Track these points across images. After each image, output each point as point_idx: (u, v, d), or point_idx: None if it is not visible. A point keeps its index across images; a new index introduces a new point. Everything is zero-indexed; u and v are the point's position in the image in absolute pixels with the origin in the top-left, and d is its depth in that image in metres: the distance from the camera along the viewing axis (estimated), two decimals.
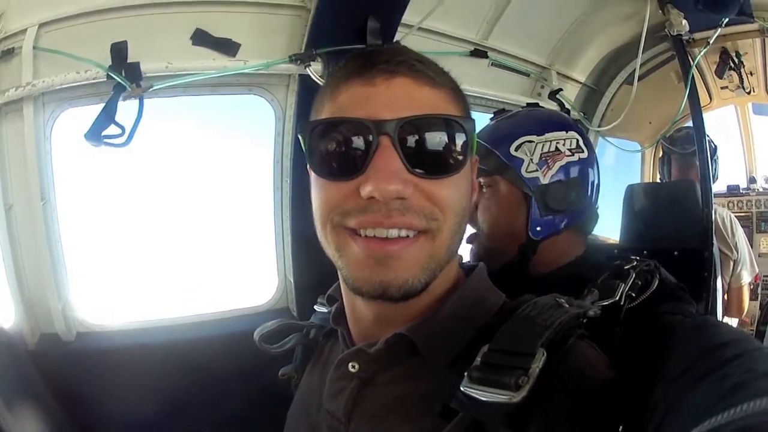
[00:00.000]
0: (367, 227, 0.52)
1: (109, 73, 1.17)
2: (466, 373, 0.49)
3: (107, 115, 1.17)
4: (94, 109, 1.20)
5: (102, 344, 1.37)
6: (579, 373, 0.50)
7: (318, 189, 0.56)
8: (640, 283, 0.81)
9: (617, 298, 0.76)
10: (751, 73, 2.08)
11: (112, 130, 1.18)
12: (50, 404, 1.18)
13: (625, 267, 0.83)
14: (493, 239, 0.96)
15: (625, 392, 0.48)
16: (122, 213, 1.60)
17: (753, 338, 0.46)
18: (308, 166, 0.57)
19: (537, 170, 0.93)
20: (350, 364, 0.60)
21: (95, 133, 1.15)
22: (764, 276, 2.35)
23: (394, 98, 0.51)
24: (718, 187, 2.45)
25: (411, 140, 0.50)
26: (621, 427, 0.48)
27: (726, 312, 2.04)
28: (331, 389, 0.61)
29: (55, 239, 1.32)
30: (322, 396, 0.63)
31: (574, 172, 0.96)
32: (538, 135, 0.95)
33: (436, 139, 0.51)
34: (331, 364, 0.64)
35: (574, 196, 0.96)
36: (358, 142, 0.51)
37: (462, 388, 0.48)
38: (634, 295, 0.79)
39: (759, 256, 2.34)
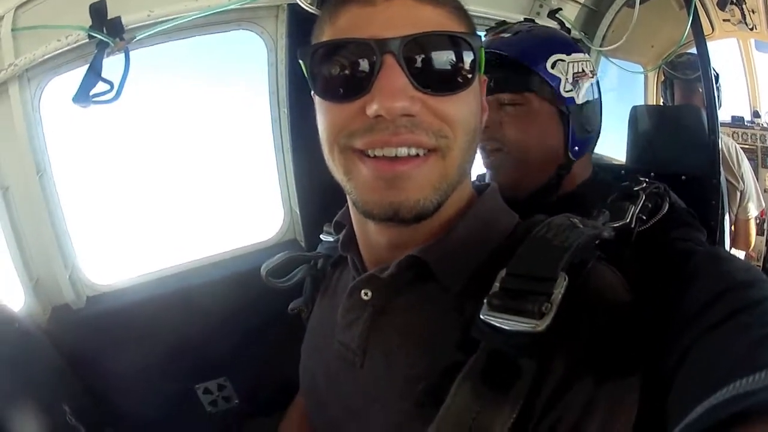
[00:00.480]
0: (375, 147, 0.51)
1: (90, 33, 1.14)
2: (485, 300, 0.48)
3: (93, 74, 1.14)
4: (80, 72, 1.18)
5: (113, 304, 1.39)
6: (601, 298, 0.50)
7: (323, 113, 0.55)
8: (650, 205, 0.81)
9: (628, 220, 0.76)
10: (753, 11, 2.04)
11: (100, 88, 1.16)
12: (71, 380, 1.19)
13: (635, 188, 0.83)
14: (528, 160, 0.92)
15: (641, 319, 0.48)
16: (122, 167, 1.60)
17: (765, 278, 0.45)
18: (312, 92, 0.56)
19: (572, 89, 0.91)
20: (363, 292, 0.59)
21: (83, 94, 1.12)
22: None
23: (395, 17, 0.50)
24: (722, 116, 2.43)
25: (416, 58, 0.49)
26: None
27: (733, 244, 2.02)
28: (345, 319, 0.61)
29: (55, 209, 1.32)
30: (333, 327, 0.63)
31: (595, 93, 0.96)
32: (567, 54, 0.92)
33: (443, 57, 0.50)
34: (341, 293, 0.65)
35: (600, 116, 0.97)
36: (362, 62, 0.50)
37: (482, 316, 0.47)
38: (644, 218, 0.79)
39: (765, 191, 2.31)
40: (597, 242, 0.55)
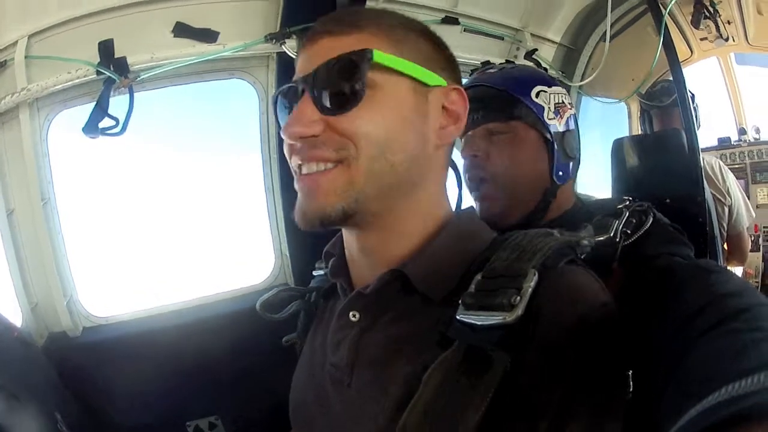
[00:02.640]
0: (296, 166, 0.59)
1: (98, 69, 1.29)
2: (460, 301, 0.52)
3: (101, 109, 1.29)
4: (87, 109, 1.31)
5: (108, 336, 1.47)
6: (573, 295, 0.52)
7: None
8: (634, 221, 0.84)
9: (611, 233, 0.78)
10: (729, 22, 2.13)
11: (106, 123, 1.29)
12: (63, 394, 1.25)
13: (618, 206, 0.87)
14: (516, 187, 0.97)
15: (625, 329, 0.50)
16: (120, 206, 1.71)
17: (756, 290, 0.48)
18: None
19: (554, 118, 1.00)
20: (351, 314, 0.62)
21: (92, 126, 1.26)
22: (764, 227, 2.39)
23: (314, 55, 0.57)
24: (708, 140, 2.54)
25: (320, 86, 0.56)
26: (630, 372, 0.50)
27: (728, 260, 2.07)
28: (333, 340, 0.64)
29: (57, 237, 1.43)
30: (326, 355, 0.66)
31: (573, 124, 1.04)
32: (548, 87, 1.01)
33: (334, 78, 0.55)
34: (331, 325, 0.67)
35: (579, 145, 1.05)
36: (294, 99, 0.60)
37: (458, 316, 0.51)
38: (629, 232, 0.82)
39: (757, 207, 2.36)
40: (581, 255, 0.58)
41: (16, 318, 1.37)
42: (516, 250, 0.55)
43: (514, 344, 0.47)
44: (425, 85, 0.59)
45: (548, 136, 0.99)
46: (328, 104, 0.55)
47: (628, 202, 0.89)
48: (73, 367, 1.33)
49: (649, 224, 0.84)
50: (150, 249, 1.73)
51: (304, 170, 0.58)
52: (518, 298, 0.48)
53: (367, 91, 0.55)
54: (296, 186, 0.60)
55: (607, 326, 0.50)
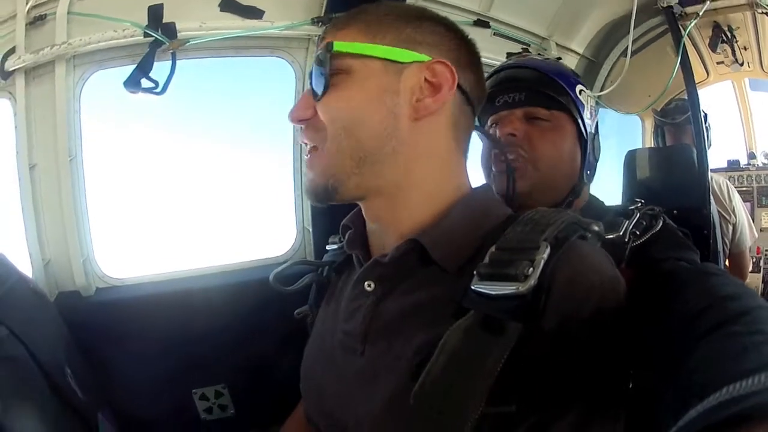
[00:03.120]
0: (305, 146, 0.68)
1: (146, 31, 1.32)
2: (475, 272, 0.54)
3: (142, 70, 1.31)
4: (123, 72, 1.34)
5: (121, 296, 1.46)
6: (584, 266, 0.54)
7: None
8: (644, 223, 0.86)
9: (621, 232, 0.79)
10: (745, 48, 2.19)
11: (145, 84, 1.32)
12: (73, 351, 1.23)
13: (630, 207, 0.89)
14: (554, 174, 0.97)
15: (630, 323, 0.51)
16: (146, 171, 1.71)
17: (755, 293, 0.48)
18: None
19: (590, 118, 1.02)
20: (366, 283, 0.65)
21: (133, 82, 1.28)
22: (766, 250, 2.44)
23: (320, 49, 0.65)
24: (718, 161, 2.60)
25: (311, 74, 0.65)
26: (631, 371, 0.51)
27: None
28: (347, 309, 0.67)
29: (79, 196, 1.42)
30: (337, 323, 0.68)
31: (596, 129, 1.06)
32: (585, 87, 1.03)
33: (315, 70, 0.64)
34: (345, 295, 0.70)
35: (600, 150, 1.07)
36: None
37: (473, 286, 0.53)
38: (638, 233, 0.83)
39: (761, 230, 2.45)
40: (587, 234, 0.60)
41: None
42: (529, 224, 0.57)
43: (526, 314, 0.49)
44: (398, 62, 0.63)
45: (585, 134, 1.00)
46: (315, 92, 0.63)
47: (639, 205, 0.91)
48: (83, 325, 1.30)
49: (659, 227, 0.86)
50: (173, 215, 1.72)
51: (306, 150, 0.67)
52: (531, 269, 0.50)
53: (340, 77, 0.62)
54: None
55: (614, 298, 0.53)
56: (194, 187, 1.77)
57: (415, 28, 0.65)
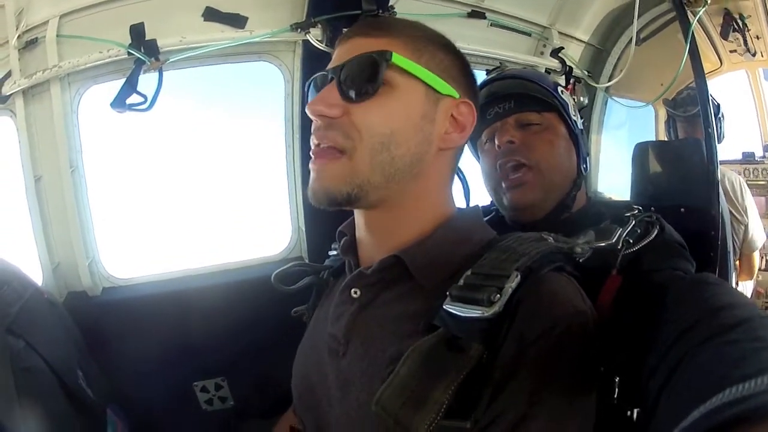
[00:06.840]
0: (314, 146, 0.69)
1: (129, 50, 1.41)
2: (448, 293, 0.60)
3: (130, 86, 1.42)
4: (118, 85, 1.44)
5: (126, 296, 1.64)
6: (550, 299, 0.58)
7: None
8: (639, 231, 0.89)
9: (614, 240, 0.83)
10: (758, 37, 2.17)
11: (134, 99, 1.43)
12: (85, 352, 1.41)
13: (626, 214, 0.93)
14: (555, 173, 1.04)
15: (614, 335, 0.56)
16: (146, 177, 1.87)
17: (752, 302, 0.52)
18: None
19: (575, 115, 1.09)
20: (352, 290, 0.72)
21: (120, 102, 1.40)
22: None
23: (344, 52, 0.69)
24: (733, 153, 2.55)
25: (344, 76, 0.66)
26: (617, 379, 0.58)
27: (738, 275, 2.13)
28: (334, 314, 0.74)
29: (82, 203, 1.58)
30: (326, 326, 0.75)
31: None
32: (564, 88, 1.10)
33: (356, 72, 0.65)
34: (334, 299, 0.77)
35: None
36: (324, 86, 0.71)
37: (444, 306, 0.59)
38: (631, 241, 0.86)
39: None
40: (579, 260, 0.66)
41: (36, 276, 1.51)
42: (506, 252, 0.63)
43: (488, 337, 0.55)
44: (437, 92, 0.69)
45: (575, 130, 1.07)
46: (348, 92, 0.65)
47: (636, 211, 0.95)
48: (89, 324, 1.46)
49: (653, 236, 0.89)
50: (172, 217, 1.89)
51: (318, 151, 0.68)
52: (498, 296, 0.55)
53: (384, 88, 0.65)
54: (310, 166, 0.70)
55: (580, 332, 0.57)
56: (194, 188, 1.92)
57: (450, 61, 0.71)
